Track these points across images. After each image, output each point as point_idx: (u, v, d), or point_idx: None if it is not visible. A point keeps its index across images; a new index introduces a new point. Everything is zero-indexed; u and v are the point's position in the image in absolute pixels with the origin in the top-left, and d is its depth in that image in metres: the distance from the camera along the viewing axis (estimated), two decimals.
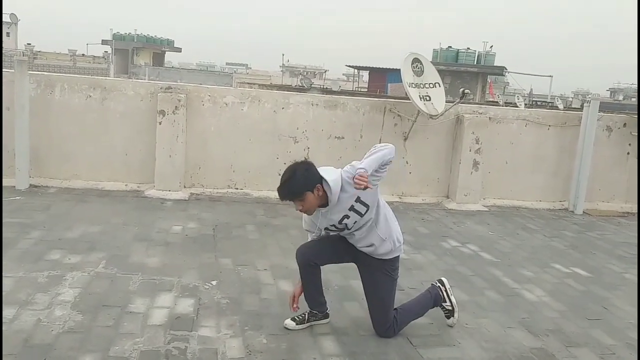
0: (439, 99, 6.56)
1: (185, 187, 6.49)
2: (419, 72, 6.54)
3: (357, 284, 4.04)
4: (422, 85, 6.50)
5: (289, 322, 3.30)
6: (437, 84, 6.67)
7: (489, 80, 40.84)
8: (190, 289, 3.75)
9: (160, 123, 6.25)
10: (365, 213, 3.08)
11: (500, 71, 38.25)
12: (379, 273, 3.26)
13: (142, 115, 6.39)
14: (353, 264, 3.41)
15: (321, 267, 3.32)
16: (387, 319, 3.27)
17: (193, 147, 6.51)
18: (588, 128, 7.00)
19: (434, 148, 7.04)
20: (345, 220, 3.09)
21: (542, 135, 7.28)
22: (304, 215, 3.20)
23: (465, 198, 6.92)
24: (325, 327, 3.37)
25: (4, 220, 4.86)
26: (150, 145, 6.35)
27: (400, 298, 3.88)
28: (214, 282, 3.90)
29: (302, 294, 3.32)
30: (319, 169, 3.07)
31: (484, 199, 7.16)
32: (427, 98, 6.47)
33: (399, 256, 3.33)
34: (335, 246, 3.31)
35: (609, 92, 72.70)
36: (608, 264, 5.10)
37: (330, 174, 3.05)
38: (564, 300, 4.11)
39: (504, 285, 4.35)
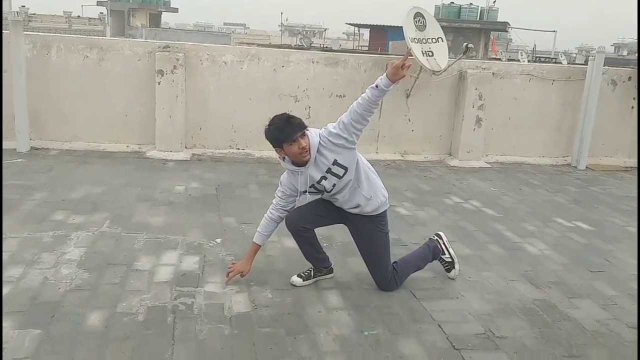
0: (442, 55, 6.46)
1: (186, 147, 6.46)
2: (421, 27, 6.40)
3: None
4: (424, 40, 6.37)
5: (296, 279, 3.33)
6: (439, 39, 6.54)
7: (492, 36, 40.13)
8: (195, 247, 3.78)
9: (159, 83, 6.18)
10: (343, 175, 3.05)
11: (504, 27, 37.53)
12: (369, 230, 3.24)
13: (140, 75, 6.31)
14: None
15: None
16: (387, 273, 3.29)
17: (193, 107, 6.45)
18: (593, 82, 6.91)
19: (436, 105, 6.97)
20: (323, 182, 3.06)
21: (545, 90, 7.19)
22: (283, 179, 3.21)
23: (468, 155, 6.89)
24: (329, 282, 3.40)
25: (6, 183, 4.87)
26: (150, 105, 6.30)
27: (402, 253, 3.91)
28: (218, 240, 3.92)
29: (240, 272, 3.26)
30: None
31: (486, 155, 7.13)
32: (430, 53, 6.36)
33: (386, 210, 3.31)
34: (322, 210, 3.26)
35: (613, 47, 71.54)
36: (610, 218, 5.11)
37: (310, 130, 3.04)
38: (567, 254, 4.14)
39: (507, 239, 4.37)
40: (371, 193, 3.16)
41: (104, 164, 5.82)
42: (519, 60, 27.99)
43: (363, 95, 2.95)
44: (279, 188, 3.27)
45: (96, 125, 6.37)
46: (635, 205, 5.59)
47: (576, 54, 51.41)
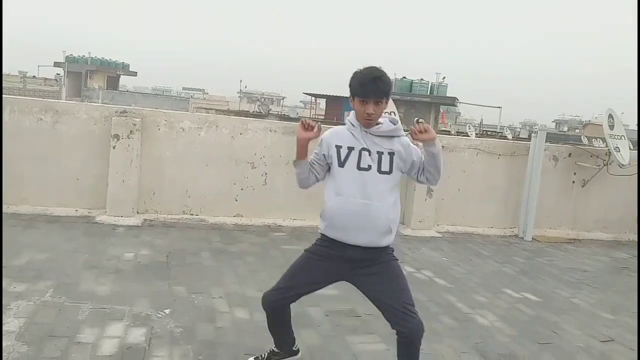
0: None
1: (138, 212, 6.36)
2: None
3: (313, 310, 4.05)
4: None
5: None
6: (392, 113, 6.80)
7: (441, 110, 41.96)
8: (142, 318, 3.65)
9: (114, 147, 6.14)
10: (384, 173, 2.69)
11: (452, 102, 39.39)
12: (385, 263, 2.77)
13: (95, 139, 6.26)
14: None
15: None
16: (412, 302, 2.74)
17: (148, 172, 6.40)
18: (536, 158, 7.28)
19: None
20: (365, 153, 2.68)
21: (492, 164, 7.52)
22: (322, 138, 2.82)
23: (420, 224, 7.04)
24: None
25: None
26: (103, 169, 6.21)
27: (356, 325, 3.91)
28: (167, 311, 3.81)
29: None
30: None
31: (437, 225, 7.30)
32: None
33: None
34: (312, 272, 2.86)
35: (555, 123, 75.86)
36: (556, 289, 5.26)
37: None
38: (516, 325, 4.21)
39: (458, 310, 4.42)
40: (396, 225, 2.79)
41: (51, 228, 5.63)
42: (467, 134, 29.24)
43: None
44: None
45: (45, 188, 6.22)
46: (579, 277, 5.79)
47: (520, 128, 54.18)
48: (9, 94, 7.82)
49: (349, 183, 2.70)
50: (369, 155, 2.69)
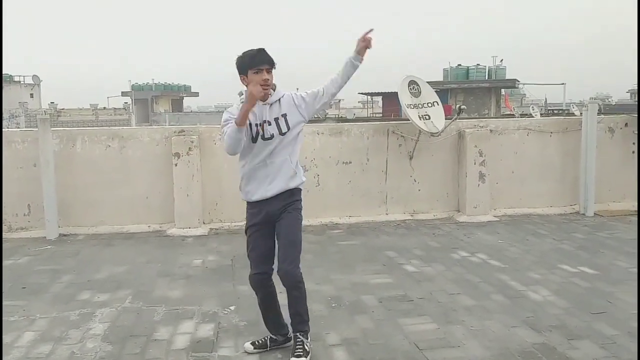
0: (438, 117, 6.82)
1: (204, 223, 6.81)
2: (416, 93, 6.81)
3: (367, 298, 4.29)
4: (420, 105, 6.76)
5: (247, 345, 3.42)
6: (435, 103, 6.93)
7: (503, 93, 40.93)
8: (210, 315, 4.02)
9: (175, 165, 6.62)
10: (284, 133, 3.22)
11: (513, 84, 38.35)
12: (291, 212, 3.28)
13: (158, 159, 6.77)
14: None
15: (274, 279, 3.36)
16: (297, 253, 3.30)
17: (209, 185, 6.85)
18: (589, 131, 7.16)
19: (440, 164, 7.25)
20: (267, 126, 3.20)
21: (545, 142, 7.45)
22: (232, 109, 3.27)
23: (475, 210, 7.09)
24: (336, 338, 3.59)
25: (37, 268, 5.24)
26: (169, 186, 6.71)
27: (408, 308, 4.10)
28: (232, 308, 4.16)
29: None
30: None
31: (494, 209, 7.31)
32: (427, 117, 6.73)
33: (300, 191, 3.36)
34: (261, 240, 3.31)
35: (629, 93, 71.81)
36: (615, 261, 5.21)
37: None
38: (569, 298, 4.25)
39: (511, 288, 4.51)
40: (301, 170, 3.35)
41: (127, 244, 6.17)
42: (531, 115, 28.38)
43: (335, 83, 3.31)
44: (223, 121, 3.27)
45: (120, 208, 6.79)
46: None
47: (588, 103, 51.79)
48: (84, 127, 8.54)
49: (255, 156, 3.26)
50: (269, 125, 3.22)
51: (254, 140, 3.23)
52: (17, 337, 3.69)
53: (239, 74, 3.22)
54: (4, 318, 3.99)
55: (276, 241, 3.31)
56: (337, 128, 7.12)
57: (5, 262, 5.47)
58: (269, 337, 3.47)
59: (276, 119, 3.23)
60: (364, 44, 3.27)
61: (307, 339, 3.30)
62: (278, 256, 3.29)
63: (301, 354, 3.22)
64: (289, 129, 3.25)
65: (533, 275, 4.83)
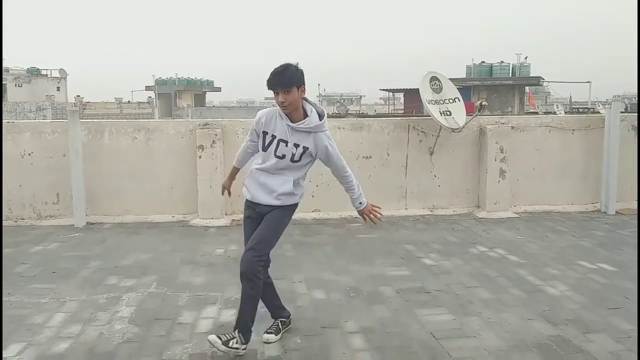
0: (459, 113, 6.85)
1: (226, 214, 6.95)
2: (437, 90, 6.86)
3: (385, 289, 4.37)
4: (441, 102, 6.80)
5: (269, 336, 3.48)
6: (456, 99, 6.96)
7: (527, 90, 40.49)
8: (232, 302, 4.14)
9: (200, 157, 6.77)
10: (296, 161, 3.29)
11: (536, 81, 37.90)
12: (275, 213, 3.38)
13: (183, 151, 6.93)
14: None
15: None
16: (264, 248, 3.36)
17: None
18: (612, 129, 7.12)
19: (460, 160, 7.29)
20: (283, 146, 3.26)
21: (567, 139, 7.43)
22: (261, 114, 3.36)
23: (495, 206, 7.11)
24: (354, 326, 3.68)
25: (66, 254, 5.44)
26: (193, 178, 6.87)
27: (425, 299, 4.18)
28: None
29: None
30: None
31: (514, 206, 7.32)
32: (448, 113, 6.77)
33: (297, 205, 3.47)
34: (254, 225, 3.43)
35: None
36: (635, 259, 5.20)
37: (316, 104, 3.39)
38: (586, 293, 4.28)
39: (528, 283, 4.55)
40: (300, 192, 3.43)
41: (152, 233, 6.34)
42: (555, 113, 28.06)
43: (346, 175, 3.46)
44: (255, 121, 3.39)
45: (145, 199, 6.97)
46: None
47: (612, 101, 50.94)
48: (108, 119, 8.77)
49: (266, 162, 3.35)
50: (286, 146, 3.27)
51: (265, 149, 3.32)
52: (48, 317, 3.86)
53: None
54: (35, 300, 4.18)
55: None
56: (358, 123, 7.20)
57: (35, 248, 5.68)
58: (279, 321, 3.59)
59: (295, 145, 3.26)
60: (367, 217, 3.44)
61: (236, 339, 3.28)
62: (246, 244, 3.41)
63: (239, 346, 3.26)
64: (300, 160, 3.31)
65: (551, 270, 4.87)
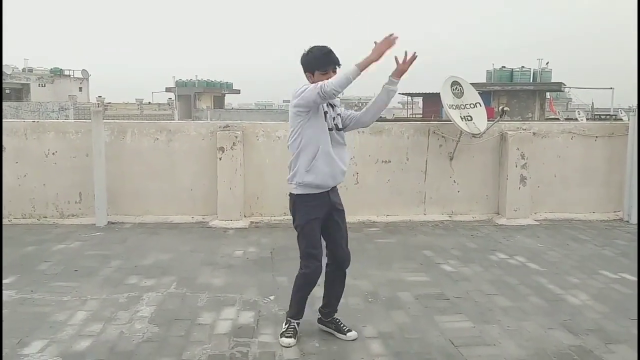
0: (480, 118, 6.81)
1: (245, 216, 6.99)
2: (458, 94, 6.82)
3: (403, 295, 4.36)
4: (462, 106, 6.76)
5: (289, 341, 3.46)
6: (477, 104, 6.92)
7: (549, 96, 40.03)
8: (250, 304, 4.16)
9: (220, 159, 6.82)
10: (341, 129, 3.46)
11: (558, 87, 37.43)
12: (340, 210, 3.54)
13: (204, 153, 6.99)
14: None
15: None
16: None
17: (251, 179, 7.02)
18: (635, 137, 7.01)
19: (480, 166, 7.24)
20: (338, 119, 3.42)
21: (589, 146, 7.33)
22: (312, 90, 3.19)
23: (515, 213, 7.04)
24: (373, 331, 3.68)
25: (87, 253, 5.51)
26: (213, 179, 6.92)
27: (445, 306, 4.16)
28: (271, 297, 4.30)
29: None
30: None
31: (535, 213, 7.24)
32: (469, 118, 6.73)
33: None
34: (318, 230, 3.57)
35: None
36: None
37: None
38: (608, 303, 4.22)
39: (549, 291, 4.50)
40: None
41: (172, 234, 6.40)
42: (577, 119, 27.70)
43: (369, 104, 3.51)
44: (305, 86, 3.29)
45: (165, 199, 7.03)
46: None
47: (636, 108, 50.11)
48: (130, 120, 8.86)
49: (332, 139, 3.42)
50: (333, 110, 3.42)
51: (331, 129, 3.38)
52: (70, 315, 3.92)
53: (305, 70, 3.31)
54: (58, 297, 4.24)
55: (322, 236, 3.60)
56: (378, 127, 7.19)
57: (57, 246, 5.77)
58: (295, 323, 3.57)
59: (338, 115, 3.46)
60: (403, 67, 3.28)
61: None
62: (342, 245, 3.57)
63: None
64: (344, 127, 3.49)
65: (572, 279, 4.81)
